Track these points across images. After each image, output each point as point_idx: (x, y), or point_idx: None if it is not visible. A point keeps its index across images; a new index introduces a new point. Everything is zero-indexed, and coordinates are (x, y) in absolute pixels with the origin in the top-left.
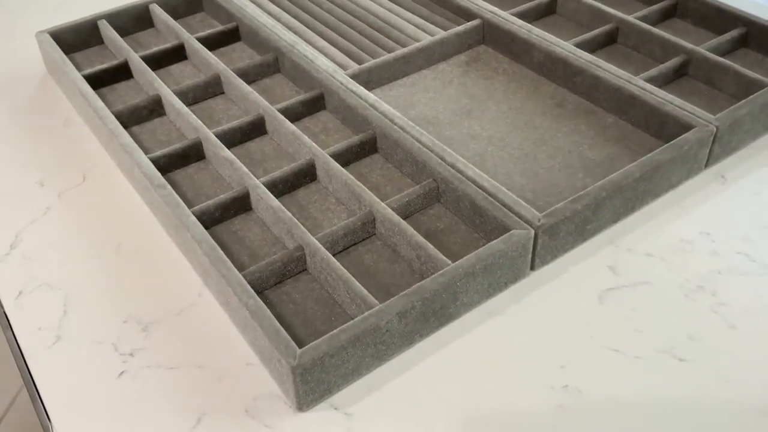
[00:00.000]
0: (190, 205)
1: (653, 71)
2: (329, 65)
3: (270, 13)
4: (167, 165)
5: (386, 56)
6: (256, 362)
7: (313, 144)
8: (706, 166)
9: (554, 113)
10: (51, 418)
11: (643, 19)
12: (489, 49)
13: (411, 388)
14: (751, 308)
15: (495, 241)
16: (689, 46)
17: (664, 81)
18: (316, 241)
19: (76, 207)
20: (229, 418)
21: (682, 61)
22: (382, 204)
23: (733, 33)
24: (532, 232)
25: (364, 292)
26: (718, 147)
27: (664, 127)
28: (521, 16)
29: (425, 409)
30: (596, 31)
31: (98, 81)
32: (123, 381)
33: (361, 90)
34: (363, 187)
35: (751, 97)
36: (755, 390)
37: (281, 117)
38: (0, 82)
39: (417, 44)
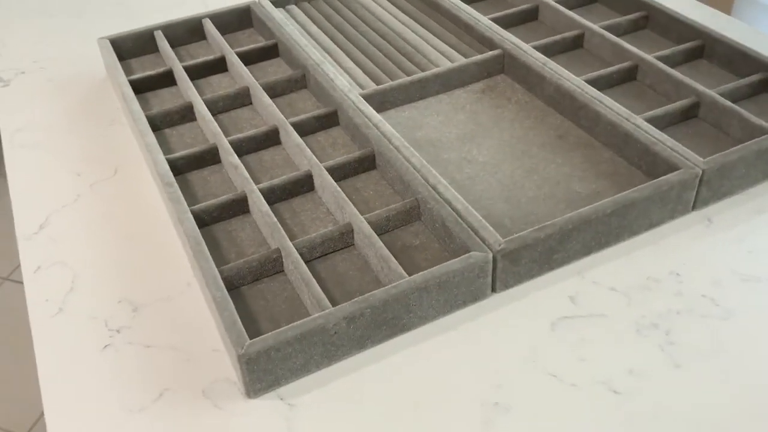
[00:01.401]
0: (195, 204)
1: (658, 111)
2: (346, 84)
3: (309, 33)
4: (184, 166)
5: (403, 79)
6: (221, 350)
7: (313, 156)
8: (694, 208)
9: (553, 144)
10: (39, 376)
11: (666, 58)
12: (508, 78)
13: (354, 388)
14: (701, 350)
15: (453, 260)
16: (700, 88)
17: (670, 121)
18: (292, 246)
19: (103, 197)
20: (187, 396)
21: (691, 102)
22: (360, 217)
23: (753, 78)
24: (490, 255)
25: (321, 294)
26: (706, 190)
27: (654, 167)
28: (545, 49)
29: (363, 408)
30: (614, 68)
31: (144, 86)
32: (106, 353)
33: (369, 110)
34: (347, 199)
35: (747, 143)
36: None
37: (291, 129)
38: (65, 81)
39: (434, 70)
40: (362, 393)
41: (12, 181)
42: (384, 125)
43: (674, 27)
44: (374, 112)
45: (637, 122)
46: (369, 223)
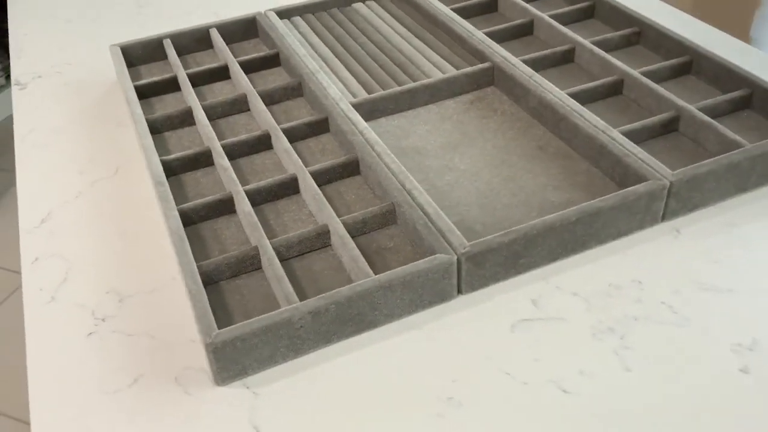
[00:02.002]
0: (186, 203)
1: (637, 124)
2: (338, 93)
3: (310, 44)
4: (179, 167)
5: (394, 89)
6: (197, 340)
7: (299, 160)
8: (663, 219)
9: (533, 155)
10: (27, 359)
11: (652, 73)
12: (497, 91)
13: (318, 380)
14: (654, 356)
15: (418, 261)
16: (680, 102)
17: (649, 135)
18: (269, 244)
19: (103, 194)
20: (160, 382)
21: (670, 117)
22: (337, 219)
23: (735, 94)
24: (455, 257)
25: (290, 290)
26: (675, 202)
27: (625, 178)
28: (534, 62)
29: (324, 399)
30: (599, 82)
31: (150, 91)
32: (90, 340)
33: (357, 117)
34: (325, 201)
35: (717, 157)
36: None
37: (281, 134)
38: (79, 85)
39: (424, 81)
40: (325, 385)
41: (20, 178)
42: (369, 132)
43: (664, 43)
44: (361, 119)
45: (612, 135)
46: (345, 224)
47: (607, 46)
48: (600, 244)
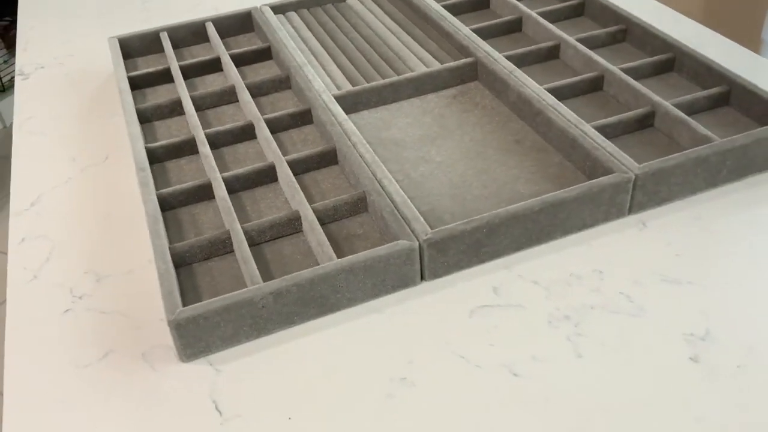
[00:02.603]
0: (167, 188)
1: (612, 119)
2: (321, 85)
3: (302, 38)
4: (163, 154)
5: (376, 82)
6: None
7: (278, 149)
8: (630, 212)
9: (509, 148)
10: (6, 333)
11: (634, 70)
12: (480, 85)
13: (279, 358)
14: (607, 344)
15: (380, 247)
16: (656, 98)
17: (624, 129)
18: (240, 229)
19: (91, 180)
20: (128, 358)
21: (646, 112)
22: (308, 205)
23: (713, 90)
24: (416, 243)
25: (256, 272)
26: (641, 195)
27: (594, 171)
28: (519, 58)
29: (283, 376)
30: (579, 78)
31: (144, 82)
32: (66, 316)
33: (338, 109)
34: (298, 188)
35: (685, 151)
36: (570, 417)
37: (263, 125)
38: (79, 76)
39: (407, 74)
40: (285, 364)
41: (15, 164)
42: (347, 123)
43: (649, 40)
44: (341, 111)
45: (584, 129)
46: (315, 211)
47: (593, 43)
48: (565, 235)
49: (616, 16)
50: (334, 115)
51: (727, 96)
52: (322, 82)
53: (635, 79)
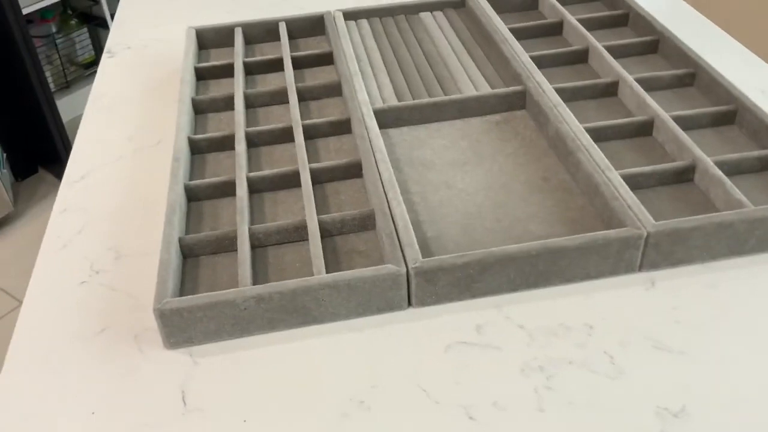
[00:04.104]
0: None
1: (646, 169)
2: (364, 98)
3: (365, 46)
4: (206, 147)
5: (419, 101)
6: None
7: (305, 156)
8: (641, 269)
9: (535, 184)
10: (25, 296)
11: (687, 118)
12: (527, 115)
13: (255, 360)
14: (574, 402)
15: (368, 268)
16: (698, 152)
17: (660, 181)
18: (246, 230)
19: (140, 161)
20: (121, 337)
21: (686, 165)
22: (315, 216)
23: (765, 152)
24: (404, 269)
25: (248, 273)
26: (655, 253)
27: (610, 221)
28: (574, 92)
29: (252, 377)
30: (628, 120)
31: (209, 74)
32: (81, 288)
33: (372, 123)
34: (311, 197)
35: (708, 215)
36: None
37: (300, 130)
38: (158, 59)
39: (453, 96)
40: (258, 365)
41: (78, 136)
42: (378, 140)
43: (714, 89)
44: (376, 125)
45: (610, 176)
46: (322, 222)
47: (657, 84)
48: (565, 282)
49: (686, 59)
50: (367, 129)
51: None
52: (367, 94)
53: (690, 128)
